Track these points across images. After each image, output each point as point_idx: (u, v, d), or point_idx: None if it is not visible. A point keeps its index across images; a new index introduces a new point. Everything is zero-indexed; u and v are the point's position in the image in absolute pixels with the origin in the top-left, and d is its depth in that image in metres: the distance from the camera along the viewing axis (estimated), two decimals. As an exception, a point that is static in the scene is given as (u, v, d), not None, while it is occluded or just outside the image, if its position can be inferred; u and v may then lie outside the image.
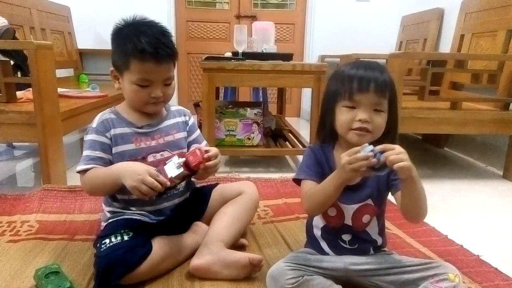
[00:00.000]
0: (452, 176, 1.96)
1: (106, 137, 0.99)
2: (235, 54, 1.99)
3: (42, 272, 0.87)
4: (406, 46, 2.98)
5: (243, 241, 1.12)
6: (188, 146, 1.11)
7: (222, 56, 2.04)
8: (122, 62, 0.96)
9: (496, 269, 1.04)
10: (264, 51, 2.10)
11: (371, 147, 0.73)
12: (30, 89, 1.56)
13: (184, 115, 1.13)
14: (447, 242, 1.20)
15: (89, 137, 0.99)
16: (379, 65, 0.85)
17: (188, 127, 1.12)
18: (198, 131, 1.16)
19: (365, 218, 0.87)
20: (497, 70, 1.88)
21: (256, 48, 2.14)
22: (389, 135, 0.85)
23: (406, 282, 0.82)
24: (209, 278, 0.95)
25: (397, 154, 0.72)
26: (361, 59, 1.45)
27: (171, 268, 0.99)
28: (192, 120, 1.15)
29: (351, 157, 0.74)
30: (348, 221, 0.87)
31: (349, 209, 0.86)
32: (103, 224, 1.03)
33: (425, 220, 1.31)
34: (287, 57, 1.99)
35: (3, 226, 1.23)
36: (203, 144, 1.15)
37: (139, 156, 1.00)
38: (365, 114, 0.80)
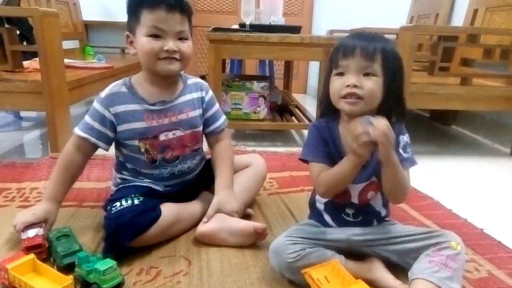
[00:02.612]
0: (459, 153, 1.95)
1: (110, 112, 0.96)
2: (242, 26, 1.96)
3: (54, 234, 0.89)
4: (417, 21, 2.91)
5: (249, 210, 1.13)
6: (206, 124, 1.08)
7: (229, 28, 2.00)
8: (134, 18, 0.93)
9: (499, 242, 1.05)
10: (272, 23, 2.06)
11: (368, 118, 0.73)
12: (37, 59, 1.56)
13: (201, 90, 1.07)
14: (451, 216, 1.21)
15: (94, 104, 0.98)
16: (373, 34, 0.81)
17: (204, 103, 1.07)
18: (216, 106, 1.11)
19: (370, 194, 0.87)
20: (510, 45, 1.83)
21: (263, 20, 2.10)
22: (391, 105, 0.81)
23: (409, 251, 0.83)
24: (215, 244, 0.97)
25: (382, 125, 0.71)
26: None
27: (178, 234, 1.00)
28: (210, 94, 1.10)
29: (353, 135, 0.73)
30: (355, 199, 0.86)
31: (356, 188, 0.85)
32: (114, 188, 1.05)
33: (429, 194, 1.33)
34: (296, 29, 1.95)
35: (12, 192, 1.26)
36: (222, 121, 1.11)
37: (151, 134, 0.98)
38: (352, 78, 0.77)
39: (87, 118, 0.98)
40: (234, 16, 3.37)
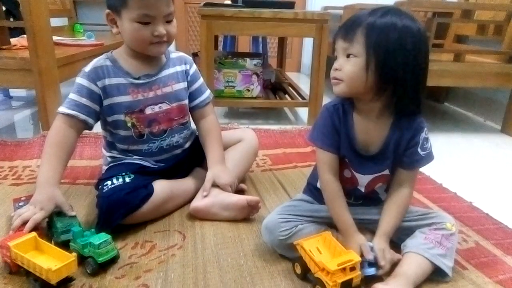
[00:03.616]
0: (451, 130, 1.97)
1: (97, 85, 0.95)
2: (235, 1, 1.93)
3: (55, 210, 0.88)
4: (412, -3, 2.87)
5: (242, 186, 1.14)
6: (190, 98, 1.09)
7: (221, 3, 1.96)
8: (118, 1, 0.90)
9: (487, 214, 1.07)
10: (265, -2, 2.02)
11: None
12: (24, 36, 1.52)
13: (185, 63, 1.08)
14: (441, 190, 1.23)
15: (79, 80, 0.96)
16: (368, 11, 0.74)
17: (189, 77, 1.08)
18: (201, 80, 1.12)
19: (379, 185, 0.86)
20: (504, 21, 1.83)
21: (256, -5, 2.05)
22: (394, 91, 0.73)
23: (404, 230, 0.83)
24: (209, 219, 0.98)
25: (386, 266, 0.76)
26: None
27: (172, 210, 1.01)
28: (194, 68, 1.10)
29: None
30: (361, 187, 0.86)
31: (364, 178, 0.84)
32: (105, 167, 1.05)
33: (420, 170, 1.34)
34: (289, 5, 1.92)
35: (4, 170, 1.25)
36: (207, 94, 1.12)
37: (136, 108, 0.98)
38: (336, 63, 0.76)
39: (72, 96, 0.95)
40: (227, -8, 3.30)
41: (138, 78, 0.98)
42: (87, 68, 0.97)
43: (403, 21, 0.72)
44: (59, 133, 0.93)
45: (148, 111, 1.00)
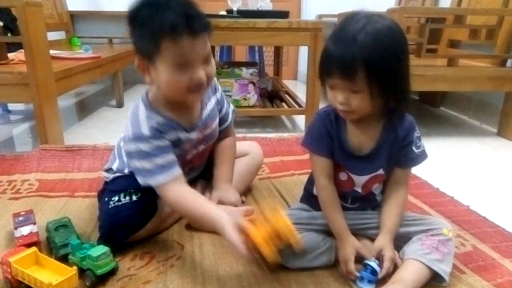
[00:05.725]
0: (447, 134, 1.98)
1: (166, 138, 0.88)
2: (230, 12, 1.95)
3: (53, 224, 0.89)
4: (405, 3, 2.90)
5: (242, 197, 1.14)
6: (219, 123, 1.05)
7: (216, 14, 1.99)
8: (150, 46, 0.79)
9: (484, 217, 1.07)
10: (260, 8, 2.05)
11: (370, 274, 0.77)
12: (22, 50, 1.54)
13: (215, 91, 1.02)
14: (439, 194, 1.23)
15: (145, 147, 0.84)
16: (354, 36, 0.70)
17: (219, 105, 1.04)
18: (225, 100, 1.08)
19: (375, 186, 0.87)
20: (496, 25, 1.85)
21: (251, 5, 2.09)
22: (391, 99, 0.77)
23: (400, 235, 0.83)
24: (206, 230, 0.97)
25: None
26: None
27: (174, 223, 1.01)
28: (220, 90, 1.05)
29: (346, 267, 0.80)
30: (358, 188, 0.86)
31: (360, 179, 0.85)
32: (112, 168, 1.00)
33: (417, 174, 1.35)
34: (283, 14, 1.95)
35: (3, 185, 1.25)
36: (230, 116, 1.08)
37: (181, 156, 0.93)
38: (340, 96, 0.75)
39: (152, 163, 0.84)
40: (223, 2, 3.33)
41: (190, 130, 0.94)
42: (144, 130, 0.85)
43: (386, 31, 0.72)
44: (189, 194, 0.85)
45: (189, 156, 0.97)
